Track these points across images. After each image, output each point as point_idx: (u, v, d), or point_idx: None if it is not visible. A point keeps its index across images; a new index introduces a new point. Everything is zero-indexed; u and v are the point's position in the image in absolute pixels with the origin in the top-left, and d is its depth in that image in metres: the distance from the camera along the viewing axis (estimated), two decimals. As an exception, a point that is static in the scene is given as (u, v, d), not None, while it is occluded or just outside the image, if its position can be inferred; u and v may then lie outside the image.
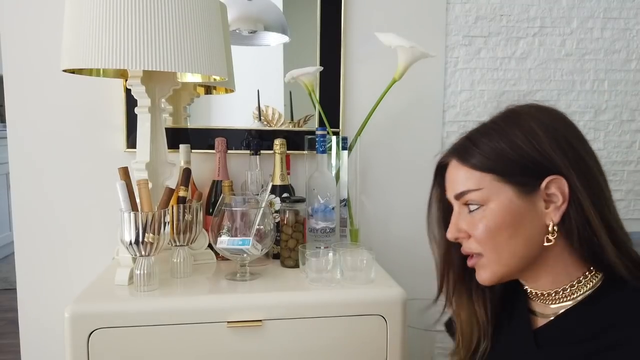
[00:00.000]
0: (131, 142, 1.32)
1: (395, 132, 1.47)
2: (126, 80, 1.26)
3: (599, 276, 0.66)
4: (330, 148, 1.29)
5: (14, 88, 1.31)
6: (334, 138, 1.30)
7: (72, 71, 1.07)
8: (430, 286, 1.54)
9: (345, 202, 1.32)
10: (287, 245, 1.15)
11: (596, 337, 0.62)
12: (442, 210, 0.77)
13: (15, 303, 1.34)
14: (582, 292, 0.66)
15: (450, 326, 0.85)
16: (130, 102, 1.27)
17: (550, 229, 0.65)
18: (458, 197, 0.70)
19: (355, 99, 1.44)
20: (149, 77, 1.07)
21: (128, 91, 1.28)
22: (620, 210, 0.68)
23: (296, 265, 1.14)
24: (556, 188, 0.64)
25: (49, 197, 1.34)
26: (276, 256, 1.20)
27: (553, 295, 0.68)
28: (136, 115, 1.07)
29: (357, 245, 1.22)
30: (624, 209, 1.62)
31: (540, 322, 0.70)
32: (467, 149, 0.70)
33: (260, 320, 0.95)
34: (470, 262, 0.72)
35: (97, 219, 1.35)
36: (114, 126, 1.34)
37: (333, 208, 1.19)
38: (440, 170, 0.77)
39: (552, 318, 0.68)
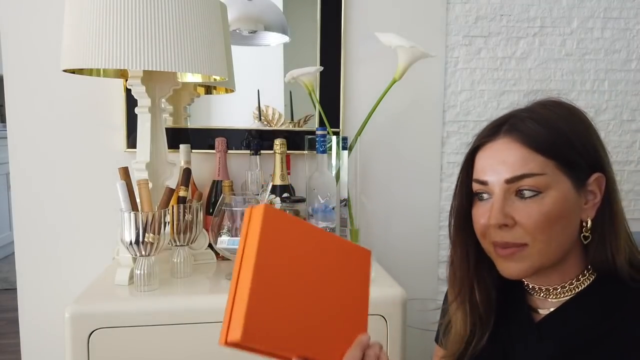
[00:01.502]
0: (131, 142, 1.32)
1: (395, 132, 1.47)
2: (126, 80, 1.26)
3: (594, 276, 0.68)
4: (330, 148, 1.29)
5: (14, 88, 1.31)
6: (334, 138, 1.30)
7: (72, 71, 1.07)
8: (430, 286, 1.55)
9: (346, 202, 1.32)
10: (287, 245, 1.15)
11: (595, 326, 0.64)
12: (467, 198, 0.72)
13: (15, 303, 1.34)
14: (581, 288, 0.68)
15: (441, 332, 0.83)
16: (130, 102, 1.27)
17: (588, 225, 0.66)
18: (513, 180, 0.64)
19: (355, 99, 1.44)
20: (149, 77, 1.07)
21: (128, 91, 1.28)
22: (620, 210, 0.70)
23: (296, 265, 1.14)
24: (596, 185, 0.66)
25: (49, 197, 1.34)
26: (276, 256, 1.20)
27: (559, 289, 0.69)
28: (136, 115, 1.07)
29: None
30: (624, 209, 1.62)
31: (538, 317, 0.71)
32: (532, 130, 0.65)
33: (261, 320, 0.94)
34: (506, 252, 0.66)
35: (98, 219, 1.35)
36: (114, 126, 1.34)
37: (333, 208, 1.19)
38: (472, 153, 0.71)
39: (552, 310, 0.69)
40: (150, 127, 1.06)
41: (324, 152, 1.19)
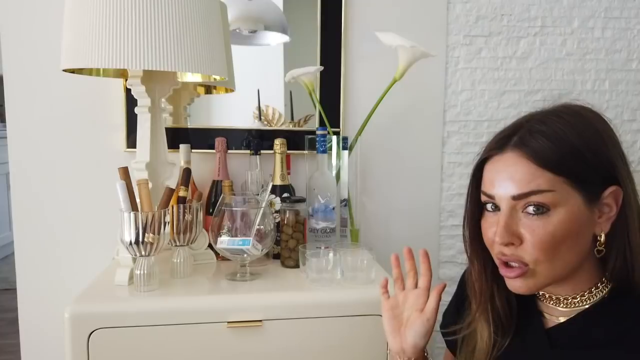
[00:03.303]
0: (131, 142, 1.32)
1: (395, 132, 1.47)
2: (126, 80, 1.26)
3: (610, 286, 0.67)
4: (330, 148, 1.29)
5: (14, 88, 1.31)
6: (334, 138, 1.30)
7: (72, 71, 1.07)
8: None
9: (346, 202, 1.32)
10: (287, 245, 1.15)
11: (607, 340, 0.63)
12: (477, 208, 0.70)
13: (15, 303, 1.34)
14: (595, 299, 0.67)
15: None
16: (130, 102, 1.27)
17: (602, 239, 0.64)
18: (520, 197, 0.62)
19: (355, 99, 1.44)
20: (149, 77, 1.07)
21: (128, 91, 1.28)
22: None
23: (296, 266, 1.14)
24: (612, 198, 0.63)
25: (49, 197, 1.34)
26: (276, 256, 1.20)
27: (570, 299, 0.68)
28: (136, 115, 1.07)
29: (358, 245, 1.22)
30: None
31: (549, 323, 0.70)
32: (540, 145, 0.62)
33: (261, 321, 0.94)
34: (513, 273, 0.64)
35: (97, 219, 1.35)
36: (114, 126, 1.34)
37: (333, 208, 1.18)
38: (481, 165, 0.69)
39: (565, 319, 0.68)
40: (150, 127, 1.06)
41: (324, 152, 1.19)
